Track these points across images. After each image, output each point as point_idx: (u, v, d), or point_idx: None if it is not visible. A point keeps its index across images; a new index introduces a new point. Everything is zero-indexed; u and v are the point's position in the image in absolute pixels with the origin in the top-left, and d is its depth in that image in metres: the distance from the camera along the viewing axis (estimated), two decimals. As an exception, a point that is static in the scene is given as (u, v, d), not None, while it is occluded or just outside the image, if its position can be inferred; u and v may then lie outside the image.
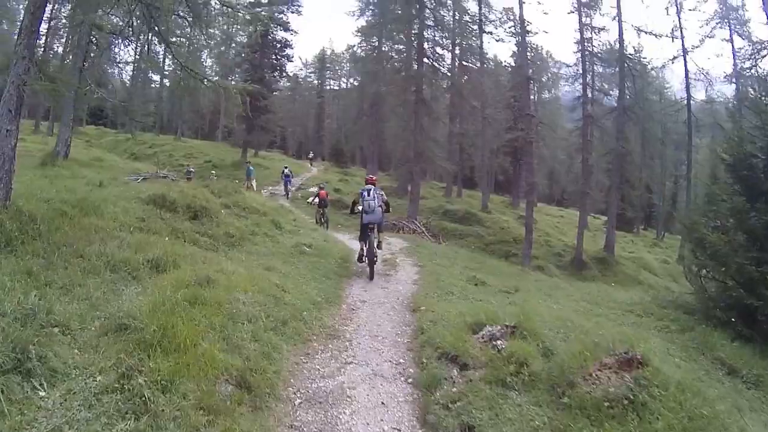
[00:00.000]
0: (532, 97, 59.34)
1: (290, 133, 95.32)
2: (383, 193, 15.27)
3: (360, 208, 14.97)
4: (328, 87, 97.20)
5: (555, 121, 64.51)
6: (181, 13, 13.36)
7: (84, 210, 11.87)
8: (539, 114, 56.60)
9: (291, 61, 57.45)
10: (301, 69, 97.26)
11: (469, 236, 37.71)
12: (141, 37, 15.15)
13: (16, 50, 10.30)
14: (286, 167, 44.14)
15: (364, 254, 14.98)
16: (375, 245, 14.81)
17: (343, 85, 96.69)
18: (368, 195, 14.75)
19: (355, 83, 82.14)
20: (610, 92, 43.89)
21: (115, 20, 18.54)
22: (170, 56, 15.13)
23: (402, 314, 11.11)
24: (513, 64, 58.83)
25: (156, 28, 12.92)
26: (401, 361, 8.46)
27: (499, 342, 7.82)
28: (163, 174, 32.89)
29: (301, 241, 17.28)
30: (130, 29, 12.96)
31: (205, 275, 8.99)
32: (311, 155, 71.94)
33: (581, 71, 41.70)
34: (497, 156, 57.01)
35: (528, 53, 54.94)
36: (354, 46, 68.16)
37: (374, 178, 16.05)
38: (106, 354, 6.18)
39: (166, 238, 12.14)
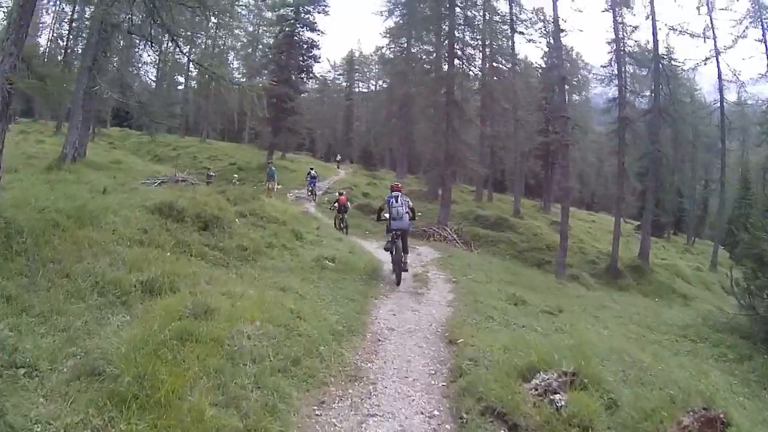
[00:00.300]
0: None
1: (319, 135, 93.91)
2: (409, 199, 15.26)
3: (386, 215, 15.00)
4: (356, 89, 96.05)
5: (586, 123, 62.51)
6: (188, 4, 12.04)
7: (80, 221, 10.57)
8: (571, 116, 54.36)
9: (318, 62, 56.50)
10: (329, 71, 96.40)
11: (501, 243, 35.88)
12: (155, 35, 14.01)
13: (3, 46, 9.21)
14: (311, 168, 43.32)
15: (394, 259, 14.81)
16: (402, 251, 14.67)
17: (372, 88, 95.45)
18: (396, 202, 14.67)
19: (384, 85, 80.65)
20: (644, 93, 42.00)
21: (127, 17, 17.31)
22: (181, 52, 13.84)
23: (436, 347, 9.53)
24: (544, 65, 57.57)
25: (160, 20, 11.63)
26: (435, 413, 6.92)
27: (557, 396, 6.24)
28: (182, 177, 31.53)
29: (323, 253, 15.76)
30: (131, 22, 11.69)
31: (203, 303, 7.69)
32: (338, 158, 71.04)
33: (616, 72, 39.88)
34: (528, 159, 55.10)
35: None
36: (383, 47, 67.14)
37: (400, 185, 16.08)
38: (75, 406, 5.13)
39: (168, 253, 10.84)
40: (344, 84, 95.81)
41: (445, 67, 37.32)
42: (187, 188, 27.33)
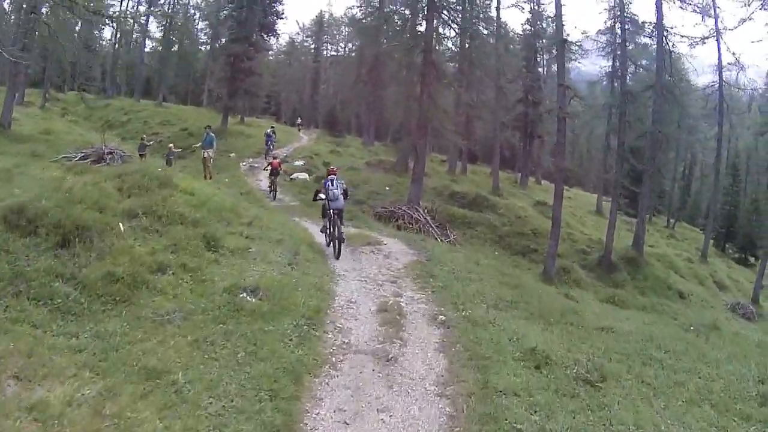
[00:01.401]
0: (541, 69, 53.84)
1: (284, 99, 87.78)
2: (343, 182, 16.19)
3: (322, 196, 15.76)
4: (325, 52, 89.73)
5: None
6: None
7: None
8: (548, 89, 49.85)
9: (282, 18, 50.04)
10: (298, 33, 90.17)
11: (480, 225, 31.09)
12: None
13: None
14: (272, 127, 41.68)
15: (333, 237, 15.37)
16: (341, 227, 15.24)
17: (342, 51, 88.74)
18: (332, 185, 15.56)
19: (354, 49, 74.13)
20: (648, 67, 36.83)
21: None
22: None
23: None
24: (525, 31, 51.38)
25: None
26: None
27: None
28: (109, 149, 25.85)
29: (244, 275, 10.47)
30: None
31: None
32: (299, 121, 64.72)
33: (618, 41, 35.11)
34: (503, 130, 49.52)
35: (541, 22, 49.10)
36: (353, 6, 62.97)
37: (335, 169, 17.43)
38: None
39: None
40: (312, 47, 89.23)
41: (422, 27, 31.50)
42: (106, 166, 22.39)
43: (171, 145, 30.18)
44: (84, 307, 7.80)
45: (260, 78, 48.81)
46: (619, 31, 35.54)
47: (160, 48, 66.62)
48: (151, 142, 31.36)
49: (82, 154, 24.76)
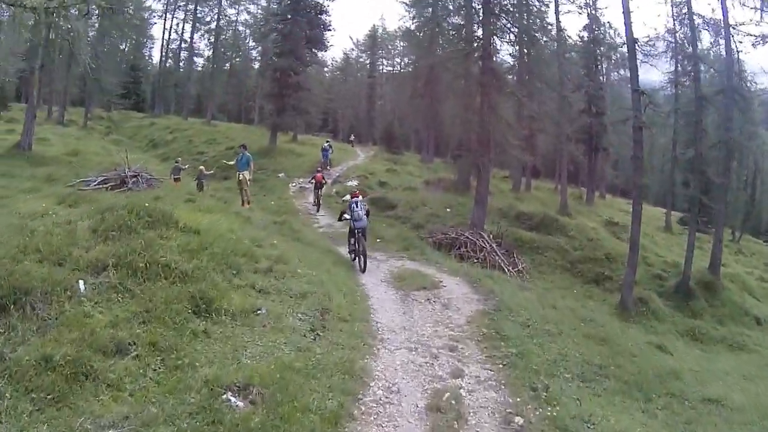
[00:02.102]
0: (601, 78, 49.60)
1: (341, 116, 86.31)
2: (365, 203, 17.56)
3: (347, 217, 16.62)
4: (380, 67, 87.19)
5: (622, 104, 54.02)
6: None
7: None
8: (608, 97, 47.67)
9: (329, 30, 46.51)
10: (353, 48, 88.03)
11: (550, 250, 27.59)
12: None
13: None
14: (327, 141, 41.86)
15: (357, 252, 16.37)
16: (364, 244, 16.18)
17: (397, 67, 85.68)
18: (357, 207, 16.42)
19: (409, 63, 70.42)
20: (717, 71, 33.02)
21: None
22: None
23: None
24: (584, 37, 47.61)
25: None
26: None
27: None
28: (133, 173, 23.17)
29: (237, 361, 7.50)
30: None
31: None
32: (352, 137, 63.55)
33: (690, 41, 31.35)
34: (567, 143, 45.81)
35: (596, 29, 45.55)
36: (404, 17, 59.25)
37: (358, 192, 18.79)
38: None
39: None
40: (367, 62, 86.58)
41: (479, 32, 28.32)
42: (128, 191, 19.95)
43: (202, 167, 27.01)
44: (8, 406, 5.36)
45: (309, 93, 45.96)
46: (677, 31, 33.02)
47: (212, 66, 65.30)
48: (186, 166, 28.37)
49: (103, 178, 22.43)
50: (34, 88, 25.17)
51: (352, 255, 16.80)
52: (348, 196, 20.22)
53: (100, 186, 21.36)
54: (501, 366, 9.13)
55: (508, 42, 34.97)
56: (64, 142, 34.65)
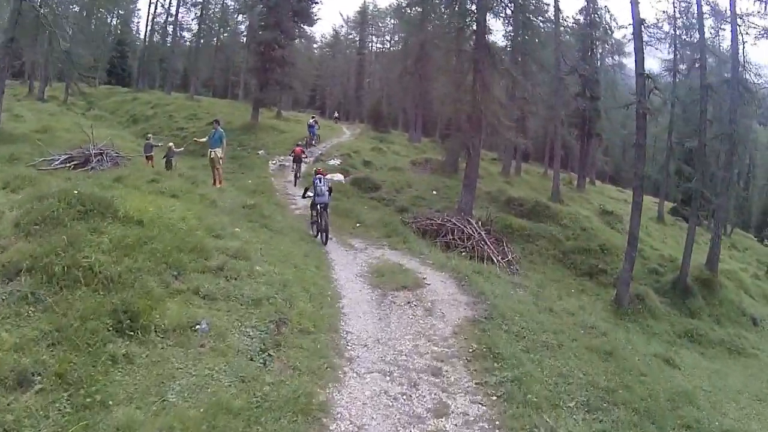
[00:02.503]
0: (596, 63, 47.66)
1: (329, 93, 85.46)
2: (329, 180, 18.37)
3: (310, 193, 17.20)
4: (370, 45, 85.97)
5: (618, 90, 52.72)
6: None
7: None
8: (603, 82, 46.03)
9: (316, 2, 44.32)
10: (342, 25, 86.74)
11: (542, 239, 25.82)
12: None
13: None
14: (313, 117, 42.03)
15: (320, 227, 16.85)
16: (327, 219, 16.70)
17: (387, 45, 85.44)
18: (320, 183, 16.94)
19: (399, 42, 70.50)
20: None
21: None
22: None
23: None
24: (579, 21, 45.70)
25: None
26: None
27: None
28: (97, 150, 21.19)
29: (162, 398, 5.81)
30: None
31: None
32: (336, 114, 62.12)
33: (698, 28, 29.06)
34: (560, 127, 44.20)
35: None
36: None
37: (322, 170, 18.79)
38: None
39: None
40: (356, 38, 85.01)
41: (473, 7, 26.59)
42: (91, 171, 18.45)
43: (171, 144, 24.70)
44: None
45: (294, 68, 43.78)
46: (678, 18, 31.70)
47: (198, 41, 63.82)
48: (160, 143, 26.34)
49: (66, 156, 20.37)
50: (5, 63, 23.35)
51: (314, 228, 17.48)
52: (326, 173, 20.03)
53: (64, 165, 19.52)
54: (495, 398, 7.44)
55: (503, 19, 33.36)
56: (38, 118, 32.58)
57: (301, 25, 45.12)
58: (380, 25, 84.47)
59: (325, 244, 16.17)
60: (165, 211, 10.30)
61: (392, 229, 19.72)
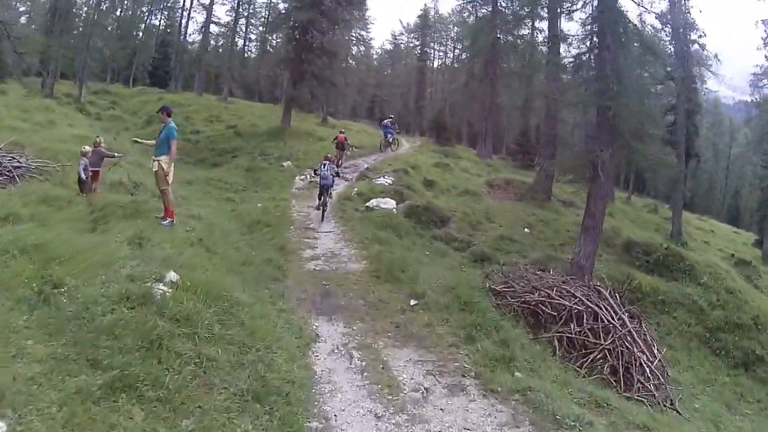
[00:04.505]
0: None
1: (388, 104, 76.67)
2: (334, 166, 19.02)
3: (318, 173, 18.14)
4: (431, 53, 79.31)
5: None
6: None
7: None
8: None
9: None
10: (402, 33, 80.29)
11: (680, 308, 16.59)
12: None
13: None
14: (390, 117, 36.12)
15: (319, 205, 17.91)
16: (328, 197, 18.04)
17: (449, 54, 78.92)
18: (324, 168, 17.97)
19: (464, 50, 62.27)
20: None
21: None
22: None
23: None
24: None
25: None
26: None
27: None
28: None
29: None
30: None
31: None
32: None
33: None
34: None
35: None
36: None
37: (330, 156, 19.89)
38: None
39: None
40: (418, 43, 77.99)
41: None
42: None
43: (86, 147, 14.62)
44: None
45: (336, 60, 35.22)
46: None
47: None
48: (117, 153, 16.53)
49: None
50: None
51: (319, 208, 17.98)
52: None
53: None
54: None
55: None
56: (10, 116, 25.78)
57: (348, 9, 36.27)
58: (443, 33, 77.78)
59: (322, 220, 17.24)
60: None
61: (478, 315, 9.85)
